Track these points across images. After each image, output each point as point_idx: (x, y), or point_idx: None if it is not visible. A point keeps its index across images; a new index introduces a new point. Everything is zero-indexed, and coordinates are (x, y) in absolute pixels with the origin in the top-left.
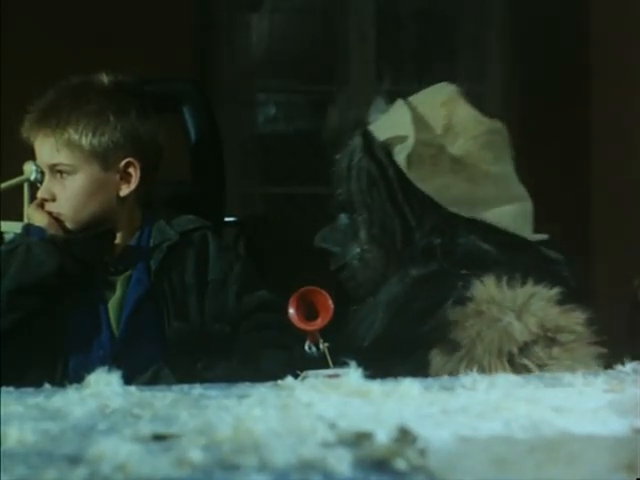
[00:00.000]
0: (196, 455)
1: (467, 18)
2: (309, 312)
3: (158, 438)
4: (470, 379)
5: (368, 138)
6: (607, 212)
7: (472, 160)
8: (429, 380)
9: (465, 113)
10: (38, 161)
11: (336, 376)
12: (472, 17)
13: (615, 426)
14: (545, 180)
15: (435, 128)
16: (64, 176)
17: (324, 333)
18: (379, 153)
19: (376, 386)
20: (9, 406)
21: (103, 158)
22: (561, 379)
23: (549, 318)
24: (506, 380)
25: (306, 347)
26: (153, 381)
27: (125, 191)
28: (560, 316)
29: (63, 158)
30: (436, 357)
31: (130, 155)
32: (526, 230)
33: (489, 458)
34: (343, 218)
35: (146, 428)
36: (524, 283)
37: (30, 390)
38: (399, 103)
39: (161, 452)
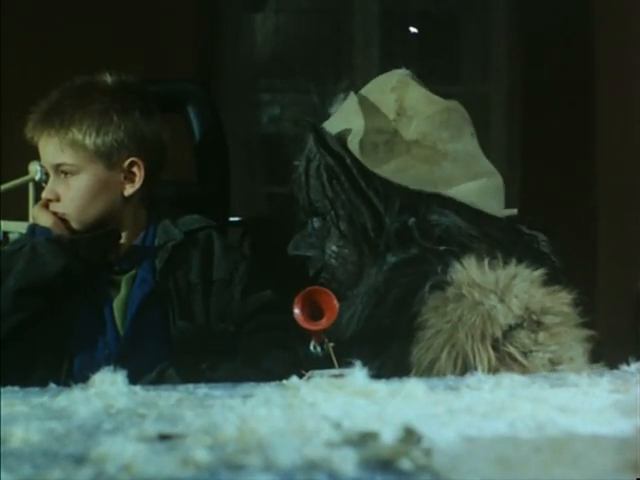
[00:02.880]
0: (201, 455)
1: (471, 18)
2: (314, 312)
3: (163, 438)
4: (475, 379)
5: (320, 133)
6: (610, 212)
7: (428, 141)
8: (434, 380)
9: (416, 95)
10: (42, 161)
11: (341, 376)
12: (476, 17)
13: (620, 426)
14: (548, 180)
15: (387, 114)
16: (68, 176)
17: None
18: (334, 145)
19: (381, 386)
20: (14, 406)
21: (107, 158)
22: (566, 379)
23: (534, 300)
24: (511, 380)
25: (311, 347)
26: (158, 381)
27: (129, 191)
28: (545, 297)
29: (67, 158)
30: (417, 345)
31: (134, 155)
32: (494, 206)
33: (494, 458)
34: (312, 222)
35: (151, 428)
36: (506, 264)
37: (35, 390)
38: (350, 96)
39: (166, 452)
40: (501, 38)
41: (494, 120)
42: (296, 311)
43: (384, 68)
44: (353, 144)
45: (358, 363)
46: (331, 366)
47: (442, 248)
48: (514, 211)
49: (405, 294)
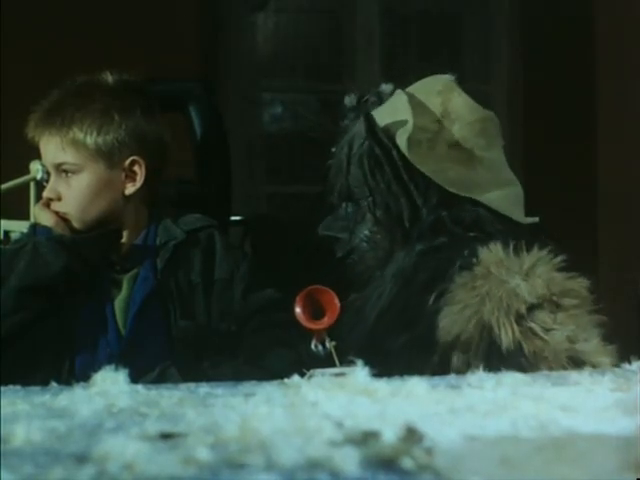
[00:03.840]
0: (203, 454)
1: (472, 18)
2: (315, 311)
3: (165, 437)
4: (477, 378)
5: (370, 121)
6: (612, 211)
7: (467, 145)
8: (436, 379)
9: (460, 101)
10: (43, 160)
11: (342, 375)
12: (477, 17)
13: (622, 425)
14: (550, 179)
15: (432, 114)
16: (70, 175)
17: (330, 331)
18: (382, 136)
19: (383, 385)
20: (16, 405)
21: (108, 157)
22: (568, 378)
23: (555, 281)
24: (513, 379)
25: (312, 346)
26: (159, 380)
27: (130, 190)
28: (565, 280)
29: (68, 157)
30: (444, 319)
31: (135, 154)
32: (518, 214)
33: (496, 457)
34: (346, 206)
35: (153, 427)
36: (529, 250)
37: (37, 389)
38: (398, 92)
39: (168, 451)
40: (502, 37)
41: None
42: (297, 310)
43: (385, 67)
44: (401, 139)
45: (360, 362)
46: (333, 365)
47: (471, 234)
48: (535, 219)
49: (433, 275)
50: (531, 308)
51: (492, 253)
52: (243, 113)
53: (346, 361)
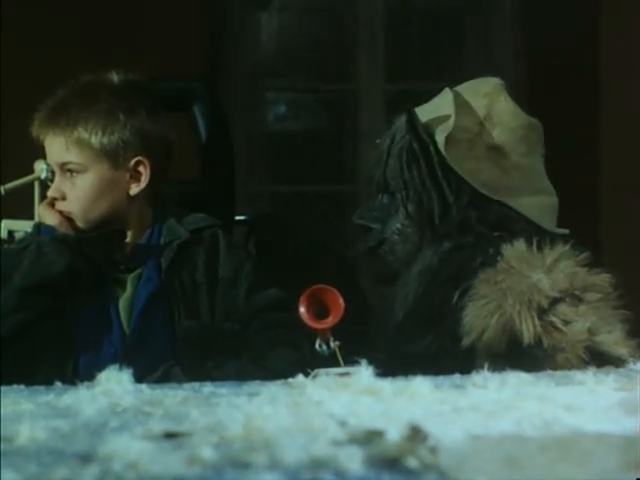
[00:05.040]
0: (207, 453)
1: (475, 16)
2: (320, 310)
3: (169, 436)
4: (481, 377)
5: (412, 115)
6: (616, 210)
7: (506, 150)
8: (440, 378)
9: (506, 105)
10: (48, 160)
11: (347, 374)
12: (480, 15)
13: (626, 424)
14: (552, 178)
15: (475, 115)
16: (74, 175)
17: (335, 331)
18: (421, 131)
19: (387, 384)
20: (20, 404)
21: (113, 157)
22: (572, 377)
23: (578, 277)
24: (517, 378)
25: (317, 346)
26: (163, 379)
27: (135, 190)
28: (588, 276)
29: (73, 157)
30: (468, 315)
31: (140, 154)
32: (549, 223)
33: (500, 456)
34: (381, 198)
35: (157, 426)
36: (553, 246)
37: (41, 388)
38: (445, 90)
39: (172, 450)
40: (505, 36)
41: None
42: (302, 309)
43: (388, 66)
44: (440, 136)
45: (364, 362)
46: (337, 365)
47: (496, 234)
48: (566, 231)
49: (457, 272)
50: (553, 302)
51: (514, 248)
52: (247, 112)
53: (350, 361)
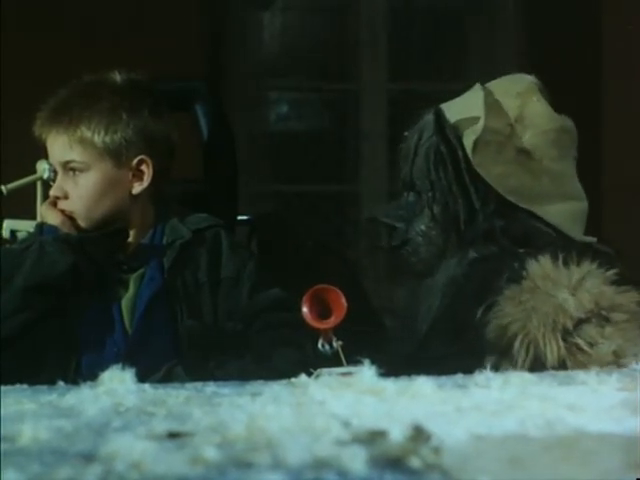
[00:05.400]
0: (210, 453)
1: (478, 16)
2: (322, 310)
3: (172, 436)
4: (484, 377)
5: (440, 117)
6: (619, 212)
7: (537, 154)
8: (442, 378)
9: (539, 107)
10: (50, 159)
11: (349, 374)
12: (483, 15)
13: (629, 424)
14: None
15: (507, 117)
16: (77, 174)
17: (337, 331)
18: (449, 133)
19: (389, 384)
20: (23, 404)
21: (116, 156)
22: (575, 377)
23: (605, 296)
24: (520, 378)
25: (319, 345)
26: (166, 379)
27: (138, 189)
28: (615, 295)
29: (76, 155)
30: (491, 333)
31: (143, 153)
32: (577, 230)
33: (503, 456)
34: (407, 196)
35: (160, 426)
36: (580, 263)
37: (44, 388)
38: (476, 87)
39: (175, 450)
40: (507, 35)
41: None
42: (304, 309)
43: (390, 66)
44: (468, 140)
45: (367, 361)
46: (340, 364)
47: (521, 250)
48: (593, 239)
49: (483, 286)
50: (578, 323)
51: (540, 266)
52: (248, 112)
53: (353, 360)
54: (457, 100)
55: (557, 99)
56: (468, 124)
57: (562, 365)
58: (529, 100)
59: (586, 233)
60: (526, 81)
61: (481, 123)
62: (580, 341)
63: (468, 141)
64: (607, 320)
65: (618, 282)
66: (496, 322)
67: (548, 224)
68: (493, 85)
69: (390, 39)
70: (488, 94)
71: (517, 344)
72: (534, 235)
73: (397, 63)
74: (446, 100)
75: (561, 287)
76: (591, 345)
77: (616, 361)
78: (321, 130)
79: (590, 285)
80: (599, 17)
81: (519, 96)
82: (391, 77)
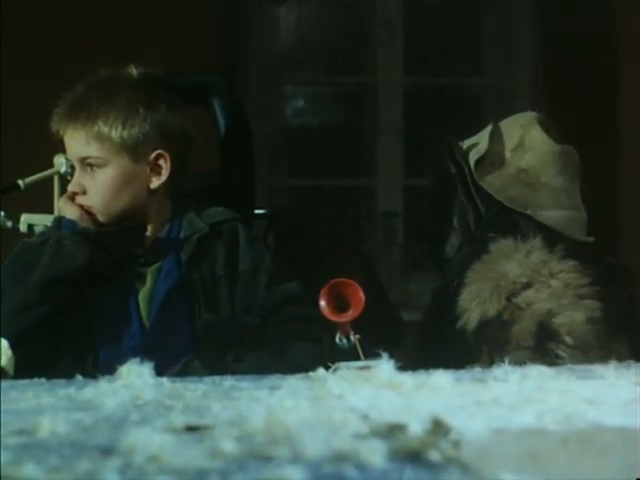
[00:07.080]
0: (229, 446)
1: (494, 10)
2: (340, 304)
3: (191, 429)
4: (502, 371)
5: (451, 147)
6: (635, 211)
7: (535, 172)
8: (460, 372)
9: (537, 135)
10: (68, 154)
11: (368, 368)
12: (499, 9)
13: None
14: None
15: (509, 143)
16: (94, 169)
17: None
18: (459, 158)
19: (408, 378)
20: (41, 397)
21: (133, 150)
22: (593, 371)
23: (546, 266)
24: (538, 372)
25: (337, 339)
26: (183, 373)
27: (155, 183)
28: (557, 264)
29: (93, 151)
30: (461, 301)
31: (160, 147)
32: (574, 233)
33: (522, 449)
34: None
35: (178, 419)
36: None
37: (62, 382)
38: (490, 124)
39: (194, 443)
40: (523, 30)
41: (518, 112)
42: (322, 303)
43: (407, 60)
44: (473, 158)
45: (385, 355)
46: (357, 358)
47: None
48: (589, 239)
49: (465, 265)
50: (523, 288)
51: (501, 244)
52: (265, 106)
53: (371, 354)
54: (476, 135)
55: (574, 94)
56: (474, 147)
57: (499, 317)
58: (529, 129)
59: (603, 227)
60: (529, 115)
61: (484, 145)
62: (519, 300)
63: (472, 159)
64: (548, 286)
65: (567, 256)
66: (464, 289)
67: (545, 226)
68: (504, 121)
69: (406, 33)
70: (495, 127)
71: (472, 304)
72: (528, 231)
73: (413, 57)
74: (461, 94)
75: (511, 260)
76: (529, 305)
77: (548, 319)
78: (337, 124)
79: (535, 257)
80: (613, 16)
81: (522, 126)
82: (407, 71)
